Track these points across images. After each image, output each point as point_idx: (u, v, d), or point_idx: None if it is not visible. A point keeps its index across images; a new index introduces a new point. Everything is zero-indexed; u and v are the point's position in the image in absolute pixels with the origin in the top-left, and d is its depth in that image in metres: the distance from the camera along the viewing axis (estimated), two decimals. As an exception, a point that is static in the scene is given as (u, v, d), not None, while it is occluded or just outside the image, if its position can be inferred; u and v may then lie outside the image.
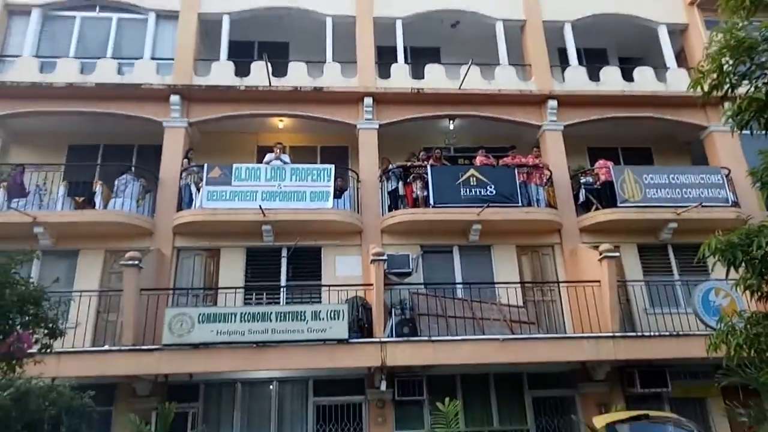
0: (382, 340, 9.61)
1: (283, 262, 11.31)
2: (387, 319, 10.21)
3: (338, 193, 11.49)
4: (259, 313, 9.45)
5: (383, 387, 9.76)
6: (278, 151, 11.69)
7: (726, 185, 11.77)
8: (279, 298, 10.98)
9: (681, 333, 9.97)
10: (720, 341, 6.30)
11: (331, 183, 11.18)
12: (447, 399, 8.81)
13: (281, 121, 12.70)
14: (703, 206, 11.36)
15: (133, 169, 11.82)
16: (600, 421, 7.41)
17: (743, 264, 6.14)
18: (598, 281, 10.30)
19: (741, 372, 7.75)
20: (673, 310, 10.88)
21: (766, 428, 8.06)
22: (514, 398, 10.55)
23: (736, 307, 8.82)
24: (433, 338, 9.68)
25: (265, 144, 12.50)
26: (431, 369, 9.96)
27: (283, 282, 11.18)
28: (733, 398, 8.95)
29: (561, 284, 11.34)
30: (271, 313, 9.45)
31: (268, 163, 11.44)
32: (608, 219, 11.52)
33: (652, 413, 7.55)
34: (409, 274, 10.91)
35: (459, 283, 11.34)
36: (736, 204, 11.68)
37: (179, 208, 11.15)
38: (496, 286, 11.15)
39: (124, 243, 10.59)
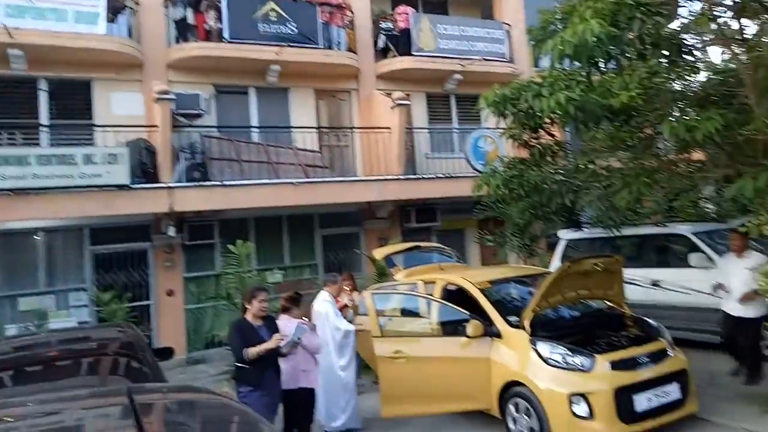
0: (170, 185, 9.07)
1: (42, 96, 9.55)
2: (175, 163, 9.59)
3: (112, 17, 9.71)
4: (13, 156, 8.05)
5: (172, 232, 9.43)
6: (23, -47, 9.21)
7: (507, 41, 12.76)
8: (39, 140, 9.42)
9: (454, 175, 11.22)
10: (484, 182, 7.24)
11: (102, 2, 9.33)
12: (239, 241, 8.92)
13: None
14: (485, 60, 12.28)
15: None
16: (379, 253, 8.24)
17: (510, 115, 6.93)
18: (389, 128, 10.84)
19: (494, 207, 9.18)
20: (449, 155, 12.14)
21: (506, 249, 9.93)
22: (305, 237, 11.17)
23: (499, 153, 10.09)
24: (226, 183, 9.43)
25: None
26: (224, 213, 9.86)
27: (44, 121, 9.54)
28: (485, 228, 10.67)
29: (356, 130, 11.68)
30: (29, 156, 8.12)
31: (9, -33, 9.01)
32: (403, 67, 11.82)
33: (422, 244, 8.64)
34: (199, 115, 10.17)
35: (254, 127, 10.97)
36: (512, 60, 12.84)
37: None
38: (292, 131, 11.04)
39: None
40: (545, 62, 6.49)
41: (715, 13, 5.36)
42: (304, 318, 5.77)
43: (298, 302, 5.16)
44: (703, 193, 9.21)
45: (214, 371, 9.08)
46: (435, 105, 12.83)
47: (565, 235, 9.40)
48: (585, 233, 9.11)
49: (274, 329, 4.70)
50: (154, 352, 5.67)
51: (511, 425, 5.09)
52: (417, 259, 7.88)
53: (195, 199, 9.15)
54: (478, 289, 5.77)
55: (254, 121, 11.07)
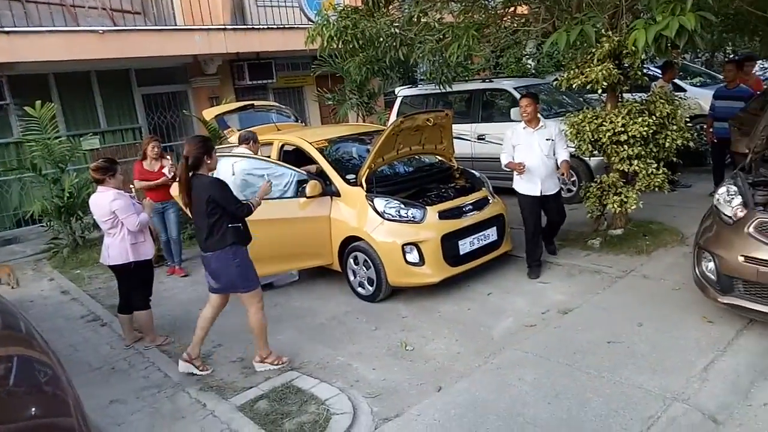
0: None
1: None
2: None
3: None
4: None
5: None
6: None
7: None
8: None
9: (287, 26, 10.41)
10: (316, 34, 6.78)
11: None
12: (38, 102, 7.64)
13: None
14: None
15: None
16: (210, 113, 7.60)
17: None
18: (211, -33, 9.51)
19: (331, 62, 8.83)
20: (282, 3, 11.14)
21: (345, 108, 9.81)
22: (122, 97, 9.88)
23: (333, 1, 9.48)
24: (8, 29, 7.73)
25: None
26: (12, 68, 8.22)
27: None
28: (324, 86, 10.34)
29: (169, -32, 10.07)
30: None
31: None
32: None
33: (257, 103, 8.10)
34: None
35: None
36: None
37: None
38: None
39: None
40: None
41: None
42: (131, 187, 5.22)
43: (110, 170, 4.43)
44: (526, 51, 9.75)
45: (31, 251, 8.25)
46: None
47: (401, 91, 9.49)
48: (419, 89, 9.27)
49: None
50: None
51: (351, 277, 5.37)
52: (252, 119, 7.44)
53: (-32, 51, 7.43)
54: (316, 148, 5.68)
55: (36, -51, 8.94)
